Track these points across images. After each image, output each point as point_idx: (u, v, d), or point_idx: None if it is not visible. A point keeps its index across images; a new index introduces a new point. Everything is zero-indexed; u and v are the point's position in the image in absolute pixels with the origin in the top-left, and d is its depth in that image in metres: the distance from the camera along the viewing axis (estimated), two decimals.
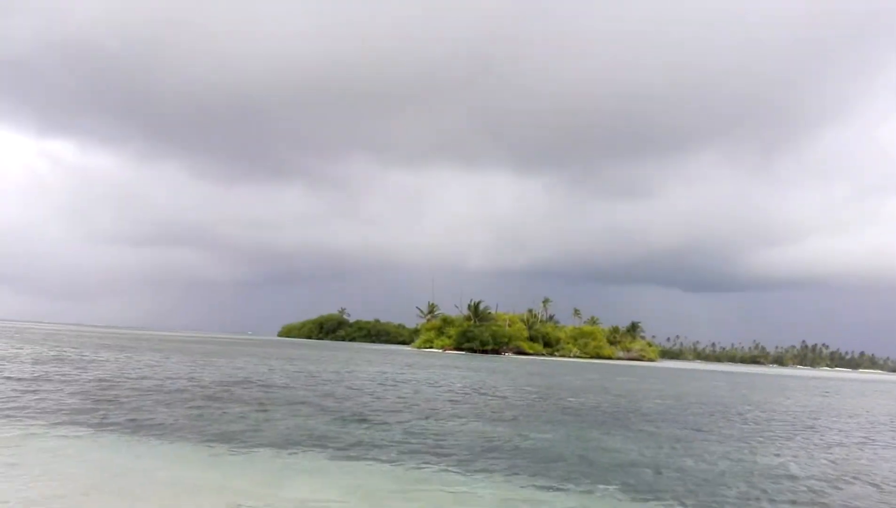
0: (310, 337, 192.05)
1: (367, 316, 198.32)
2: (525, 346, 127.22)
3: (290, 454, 11.61)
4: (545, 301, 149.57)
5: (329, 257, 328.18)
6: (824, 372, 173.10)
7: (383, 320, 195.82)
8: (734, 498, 10.18)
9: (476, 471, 10.95)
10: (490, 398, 24.92)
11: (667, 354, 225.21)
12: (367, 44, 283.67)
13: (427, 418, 17.32)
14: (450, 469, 11.04)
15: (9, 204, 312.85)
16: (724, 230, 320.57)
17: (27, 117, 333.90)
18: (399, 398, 22.43)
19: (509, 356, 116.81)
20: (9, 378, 20.38)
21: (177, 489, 9.03)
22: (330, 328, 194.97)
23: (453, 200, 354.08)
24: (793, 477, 12.05)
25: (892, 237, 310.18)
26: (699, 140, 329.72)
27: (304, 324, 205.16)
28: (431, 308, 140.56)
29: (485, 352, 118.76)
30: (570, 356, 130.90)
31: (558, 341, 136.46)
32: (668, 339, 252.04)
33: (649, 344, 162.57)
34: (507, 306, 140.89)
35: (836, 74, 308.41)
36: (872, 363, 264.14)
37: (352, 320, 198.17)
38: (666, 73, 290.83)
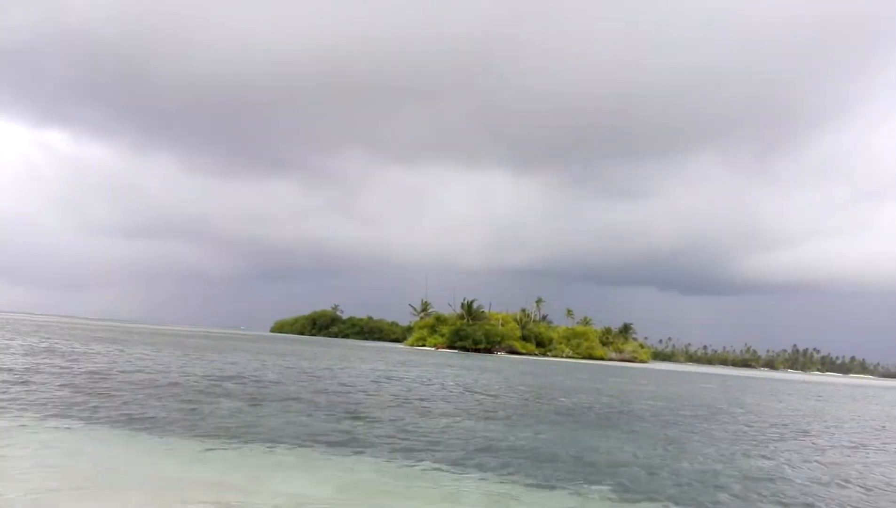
0: (302, 333, 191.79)
1: (360, 313, 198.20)
2: (518, 345, 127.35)
3: (281, 449, 11.59)
4: (538, 301, 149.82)
5: (324, 253, 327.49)
6: (815, 377, 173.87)
7: (376, 317, 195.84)
8: (726, 500, 10.22)
9: (468, 470, 10.95)
10: (482, 396, 24.93)
11: (659, 356, 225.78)
12: (366, 40, 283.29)
13: (419, 415, 17.32)
14: (442, 466, 11.04)
15: (2, 194, 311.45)
16: (719, 233, 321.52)
17: (22, 107, 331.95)
18: (391, 395, 22.42)
19: (501, 355, 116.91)
20: (1, 370, 20.30)
21: (167, 483, 9.00)
22: (323, 325, 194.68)
23: (450, 198, 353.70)
24: (785, 480, 12.10)
25: (886, 243, 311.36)
26: (697, 141, 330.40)
27: (296, 320, 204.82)
28: (425, 306, 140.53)
29: (477, 351, 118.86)
30: (562, 357, 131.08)
31: (551, 341, 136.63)
32: (661, 341, 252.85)
33: (641, 346, 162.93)
34: (500, 305, 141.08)
35: (834, 76, 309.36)
36: (863, 369, 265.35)
37: (345, 316, 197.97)
38: (665, 73, 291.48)
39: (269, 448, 11.65)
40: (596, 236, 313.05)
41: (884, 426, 26.23)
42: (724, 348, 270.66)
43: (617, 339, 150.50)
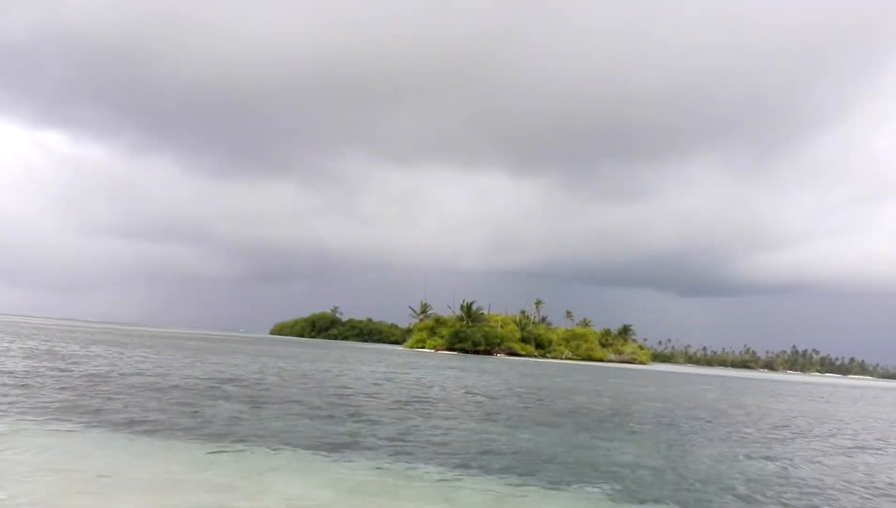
0: (302, 335, 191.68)
1: (359, 315, 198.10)
2: (517, 347, 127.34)
3: (282, 452, 11.60)
4: (538, 303, 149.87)
5: (323, 255, 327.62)
6: (814, 378, 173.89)
7: (376, 319, 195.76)
8: (731, 502, 10.22)
9: (468, 472, 10.96)
10: (482, 398, 24.94)
11: (658, 357, 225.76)
12: (364, 40, 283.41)
13: (420, 418, 17.33)
14: (443, 469, 11.05)
15: (1, 195, 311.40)
16: (718, 234, 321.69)
17: (21, 107, 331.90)
18: (392, 397, 22.42)
19: (501, 357, 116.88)
20: (1, 373, 20.29)
21: (168, 486, 9.01)
22: (322, 327, 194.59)
23: (449, 199, 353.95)
24: (789, 482, 12.11)
25: (884, 244, 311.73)
26: (696, 142, 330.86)
27: (296, 322, 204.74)
28: (424, 308, 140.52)
29: (476, 353, 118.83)
30: (561, 358, 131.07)
31: (550, 342, 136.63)
32: (660, 342, 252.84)
33: (641, 347, 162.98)
34: (499, 307, 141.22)
35: (833, 77, 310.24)
36: (862, 369, 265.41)
37: (344, 318, 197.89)
38: (664, 74, 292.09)
39: (269, 450, 11.66)
40: (595, 237, 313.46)
41: (888, 428, 26.23)
42: (724, 349, 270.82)
43: (616, 340, 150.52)
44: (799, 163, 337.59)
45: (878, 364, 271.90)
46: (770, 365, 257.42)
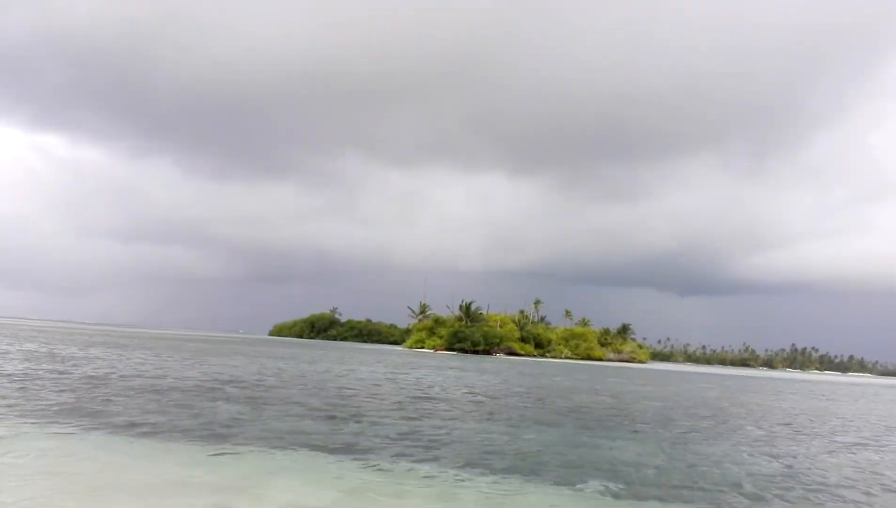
0: (301, 336, 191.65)
1: (358, 316, 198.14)
2: (516, 347, 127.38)
3: (282, 453, 11.54)
4: (537, 303, 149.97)
5: (322, 256, 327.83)
6: (814, 376, 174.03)
7: (375, 319, 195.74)
8: (733, 499, 10.17)
9: (470, 472, 10.90)
10: (482, 398, 24.89)
11: (657, 356, 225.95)
12: (364, 41, 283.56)
13: (420, 418, 17.27)
14: (443, 469, 10.99)
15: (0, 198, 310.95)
16: (716, 234, 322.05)
17: (19, 110, 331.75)
18: (391, 398, 22.37)
19: (500, 356, 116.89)
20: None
21: (168, 488, 8.95)
22: (321, 328, 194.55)
23: (448, 200, 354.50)
24: (794, 480, 12.06)
25: (882, 242, 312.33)
26: (695, 143, 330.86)
27: (295, 323, 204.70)
28: (423, 308, 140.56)
29: (476, 353, 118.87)
30: (560, 358, 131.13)
31: (549, 342, 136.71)
32: (659, 341, 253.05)
33: (640, 346, 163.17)
34: (498, 307, 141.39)
35: (831, 77, 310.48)
36: (861, 367, 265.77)
37: (343, 319, 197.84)
38: (662, 75, 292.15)
39: (270, 452, 11.60)
40: (594, 237, 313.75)
41: (891, 425, 26.17)
42: (723, 348, 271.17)
43: (615, 340, 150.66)
44: (798, 163, 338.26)
45: (877, 362, 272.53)
46: (769, 363, 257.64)
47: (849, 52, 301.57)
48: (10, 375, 20.69)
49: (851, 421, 26.54)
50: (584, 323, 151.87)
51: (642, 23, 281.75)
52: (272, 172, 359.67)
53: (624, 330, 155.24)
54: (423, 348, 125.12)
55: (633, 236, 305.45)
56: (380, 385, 27.68)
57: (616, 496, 10.03)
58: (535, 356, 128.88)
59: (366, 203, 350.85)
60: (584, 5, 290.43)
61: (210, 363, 35.21)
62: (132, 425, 13.20)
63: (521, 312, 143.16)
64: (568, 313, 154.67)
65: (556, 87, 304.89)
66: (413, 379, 33.52)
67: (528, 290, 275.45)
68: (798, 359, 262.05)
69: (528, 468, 11.58)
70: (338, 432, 14.16)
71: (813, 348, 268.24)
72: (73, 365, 26.41)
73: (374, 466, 10.97)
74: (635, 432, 17.56)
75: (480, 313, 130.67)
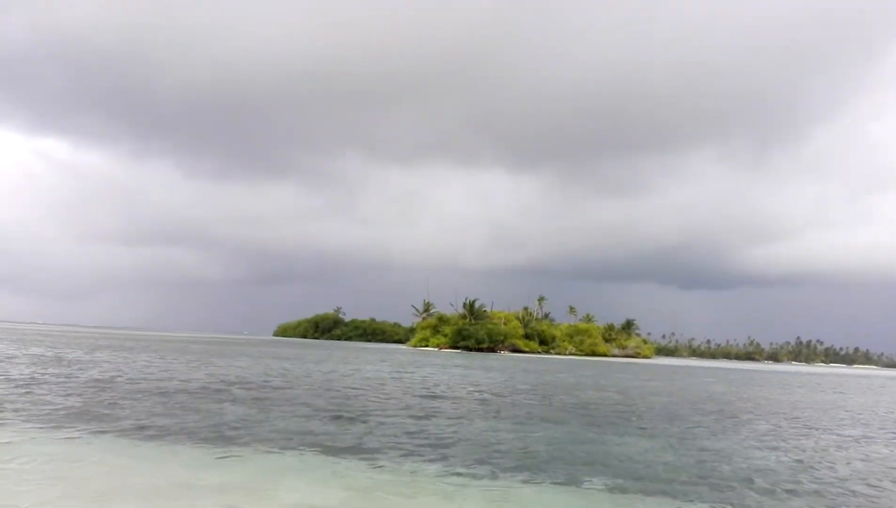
0: (305, 336, 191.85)
1: (362, 315, 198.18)
2: (521, 344, 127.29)
3: (289, 454, 11.51)
4: (540, 299, 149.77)
5: (324, 256, 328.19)
6: (820, 368, 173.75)
7: (379, 319, 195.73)
8: (746, 494, 10.12)
9: (478, 470, 10.86)
10: (488, 396, 24.85)
11: (662, 351, 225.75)
12: (364, 41, 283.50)
13: (426, 417, 17.23)
14: (451, 469, 10.94)
15: (1, 203, 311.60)
16: (718, 227, 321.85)
17: (20, 115, 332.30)
18: (397, 397, 22.34)
19: (505, 354, 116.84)
20: (6, 380, 20.21)
21: (175, 490, 8.93)
22: (325, 328, 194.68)
23: (449, 198, 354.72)
24: (808, 475, 12.00)
25: (885, 234, 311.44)
26: (695, 137, 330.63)
27: (299, 323, 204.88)
28: (427, 307, 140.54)
29: (480, 350, 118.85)
30: (565, 354, 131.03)
31: (554, 338, 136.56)
32: (664, 336, 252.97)
33: (644, 341, 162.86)
34: (502, 304, 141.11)
35: (830, 70, 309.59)
36: (867, 359, 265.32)
37: (347, 319, 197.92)
38: (662, 70, 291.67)
39: (277, 453, 11.57)
40: (596, 232, 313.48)
41: None
42: (728, 341, 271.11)
43: (620, 335, 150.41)
44: (798, 155, 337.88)
45: (882, 354, 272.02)
46: (774, 357, 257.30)
47: (848, 44, 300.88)
48: (16, 379, 20.70)
49: (860, 414, 26.45)
50: (588, 319, 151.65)
51: (642, 19, 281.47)
52: (272, 172, 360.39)
53: (628, 325, 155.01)
54: (427, 346, 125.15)
55: (635, 230, 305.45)
56: (385, 385, 27.66)
57: (626, 492, 9.98)
58: (539, 352, 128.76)
59: (366, 203, 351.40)
60: (584, 5, 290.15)
61: (215, 364, 35.22)
62: (139, 428, 13.19)
63: (525, 309, 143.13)
64: (572, 310, 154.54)
65: (556, 86, 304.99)
66: (418, 378, 33.49)
67: (529, 287, 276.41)
68: (803, 352, 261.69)
69: (536, 466, 11.52)
70: (344, 432, 14.13)
71: (818, 340, 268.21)
72: (80, 369, 26.43)
73: (381, 466, 10.94)
74: (643, 428, 17.50)
75: (484, 311, 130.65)
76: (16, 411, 14.38)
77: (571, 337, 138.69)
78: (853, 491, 10.89)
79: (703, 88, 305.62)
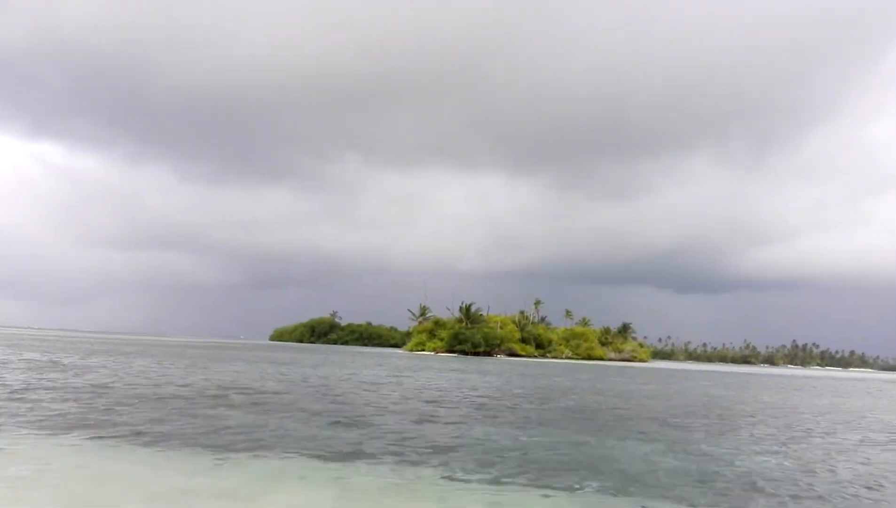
0: (301, 341, 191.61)
1: (358, 319, 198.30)
2: (517, 348, 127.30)
3: (286, 459, 11.42)
4: (537, 303, 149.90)
5: (321, 260, 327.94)
6: (816, 371, 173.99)
7: (375, 323, 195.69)
8: (748, 500, 10.06)
9: (474, 476, 10.77)
10: (485, 400, 24.76)
11: (658, 354, 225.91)
12: (360, 44, 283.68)
13: (423, 422, 17.15)
14: (448, 473, 10.86)
15: None
16: (714, 231, 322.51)
17: (16, 119, 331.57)
18: (394, 402, 22.25)
19: (501, 357, 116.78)
20: (1, 386, 20.09)
21: (172, 495, 8.84)
22: (322, 332, 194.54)
23: (446, 201, 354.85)
24: (810, 478, 11.95)
25: (881, 237, 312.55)
26: (692, 139, 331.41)
27: (295, 328, 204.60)
28: (423, 311, 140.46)
29: (476, 354, 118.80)
30: (561, 358, 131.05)
31: (550, 342, 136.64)
32: (660, 340, 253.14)
33: (641, 345, 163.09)
34: (499, 307, 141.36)
35: (827, 73, 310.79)
36: (863, 362, 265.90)
37: (343, 323, 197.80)
38: (660, 72, 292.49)
39: (274, 457, 11.48)
40: (593, 236, 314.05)
41: None
42: (724, 345, 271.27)
43: (616, 339, 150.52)
44: (796, 157, 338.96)
45: (878, 357, 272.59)
46: (770, 360, 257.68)
47: (848, 45, 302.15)
48: (12, 385, 20.56)
49: (862, 417, 26.43)
50: (585, 323, 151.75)
51: (642, 23, 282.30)
52: (268, 176, 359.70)
53: (624, 329, 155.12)
54: (423, 350, 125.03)
55: (632, 233, 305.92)
56: (382, 389, 27.56)
57: (628, 497, 9.90)
58: (535, 356, 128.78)
59: (363, 205, 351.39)
60: (584, 5, 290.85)
61: (212, 369, 35.07)
62: (136, 434, 13.08)
63: (522, 312, 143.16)
64: (568, 313, 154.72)
65: (555, 87, 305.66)
66: (415, 382, 33.40)
67: (527, 290, 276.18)
68: (799, 355, 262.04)
69: (534, 471, 11.44)
70: (341, 437, 14.04)
71: (814, 344, 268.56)
72: (76, 374, 26.27)
73: (379, 471, 10.85)
74: (642, 432, 17.43)
75: (480, 315, 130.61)
76: (11, 416, 14.26)
77: (568, 341, 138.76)
78: (856, 495, 10.84)
79: (702, 89, 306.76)
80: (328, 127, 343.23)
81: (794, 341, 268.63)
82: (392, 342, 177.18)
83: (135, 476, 9.89)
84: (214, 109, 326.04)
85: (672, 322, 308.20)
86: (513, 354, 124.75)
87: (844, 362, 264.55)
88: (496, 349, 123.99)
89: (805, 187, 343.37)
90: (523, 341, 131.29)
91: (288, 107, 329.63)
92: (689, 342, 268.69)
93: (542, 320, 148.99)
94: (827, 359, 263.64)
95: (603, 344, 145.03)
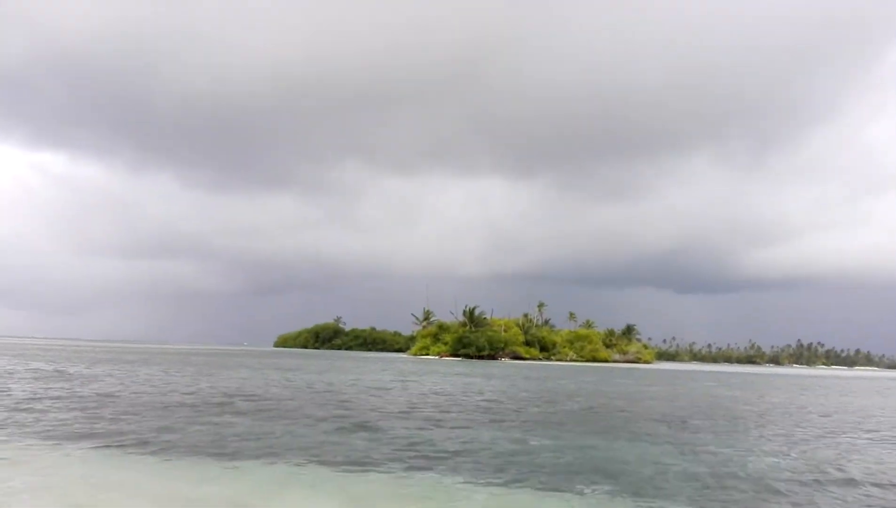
0: (305, 347, 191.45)
1: (362, 324, 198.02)
2: (521, 351, 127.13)
3: (292, 466, 11.37)
4: (540, 306, 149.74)
5: (323, 266, 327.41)
6: (821, 371, 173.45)
7: (379, 328, 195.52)
8: (761, 501, 9.97)
9: (480, 480, 10.70)
10: (491, 404, 24.67)
11: (663, 356, 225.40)
12: (360, 50, 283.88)
13: (430, 426, 17.08)
14: (453, 478, 10.79)
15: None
16: (717, 231, 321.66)
17: (17, 129, 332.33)
18: (400, 406, 22.17)
19: (506, 361, 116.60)
20: (7, 396, 20.04)
21: (178, 503, 8.80)
22: (325, 338, 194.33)
23: (448, 205, 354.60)
24: (818, 478, 11.85)
25: (885, 236, 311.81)
26: (693, 140, 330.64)
27: (299, 334, 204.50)
28: (427, 315, 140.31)
29: (481, 358, 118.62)
30: (566, 360, 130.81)
31: (554, 345, 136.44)
32: (664, 341, 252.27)
33: (645, 346, 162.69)
34: (502, 311, 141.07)
35: (827, 73, 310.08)
36: (868, 361, 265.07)
37: (347, 328, 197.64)
38: (659, 72, 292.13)
39: (280, 464, 11.43)
40: (595, 237, 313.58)
41: None
42: (729, 345, 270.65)
43: (620, 341, 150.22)
44: (796, 157, 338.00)
45: (883, 355, 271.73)
46: (776, 360, 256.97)
47: (848, 45, 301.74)
48: (18, 394, 20.53)
49: (871, 416, 26.26)
50: (589, 325, 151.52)
51: (642, 23, 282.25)
52: (270, 182, 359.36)
53: (629, 331, 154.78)
54: (427, 355, 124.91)
55: (634, 235, 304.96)
56: (387, 394, 27.48)
57: (639, 500, 9.82)
58: (540, 359, 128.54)
59: (364, 210, 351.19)
60: (584, 6, 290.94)
61: (217, 376, 35.03)
62: (142, 442, 13.03)
63: (525, 315, 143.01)
64: (572, 316, 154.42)
65: (554, 88, 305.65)
66: (420, 387, 33.31)
67: (529, 293, 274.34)
68: (804, 355, 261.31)
69: (543, 474, 11.37)
70: (347, 443, 13.98)
71: (819, 343, 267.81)
72: (81, 383, 26.24)
73: (386, 477, 10.79)
74: (649, 434, 17.34)
75: (484, 318, 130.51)
76: (18, 425, 14.24)
77: (572, 343, 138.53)
78: (868, 495, 10.75)
79: (702, 89, 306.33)
80: (329, 132, 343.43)
81: (798, 340, 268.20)
82: (396, 346, 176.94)
83: (141, 484, 9.84)
84: (215, 116, 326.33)
85: (673, 323, 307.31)
86: (517, 357, 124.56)
87: (850, 360, 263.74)
88: (500, 353, 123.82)
89: (805, 187, 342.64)
90: (527, 344, 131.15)
91: (288, 113, 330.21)
92: (693, 343, 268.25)
93: (546, 322, 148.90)
94: (832, 358, 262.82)
95: (607, 346, 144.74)
